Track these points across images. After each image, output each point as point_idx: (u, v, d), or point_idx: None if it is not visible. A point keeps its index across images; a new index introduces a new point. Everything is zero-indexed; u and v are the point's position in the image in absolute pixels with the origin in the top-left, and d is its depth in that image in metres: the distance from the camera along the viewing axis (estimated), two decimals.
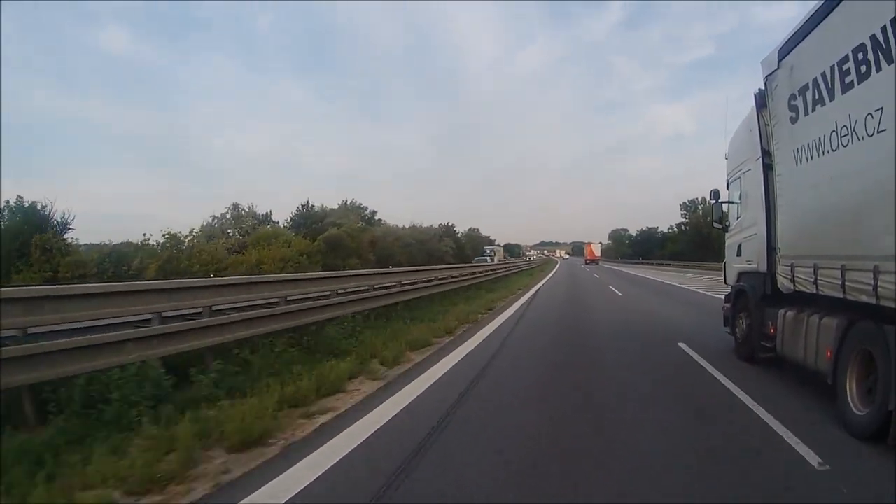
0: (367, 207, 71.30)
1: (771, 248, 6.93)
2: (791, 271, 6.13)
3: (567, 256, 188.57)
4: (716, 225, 9.13)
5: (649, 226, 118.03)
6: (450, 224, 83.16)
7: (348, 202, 68.95)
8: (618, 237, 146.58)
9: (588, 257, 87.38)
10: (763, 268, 7.17)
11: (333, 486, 3.53)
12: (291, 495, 3.36)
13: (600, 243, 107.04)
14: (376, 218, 71.03)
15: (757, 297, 7.36)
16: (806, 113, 5.81)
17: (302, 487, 3.48)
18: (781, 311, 6.46)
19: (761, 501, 3.39)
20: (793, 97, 6.10)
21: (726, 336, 8.62)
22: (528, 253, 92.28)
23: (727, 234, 9.03)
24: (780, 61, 6.46)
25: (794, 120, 6.09)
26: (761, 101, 7.36)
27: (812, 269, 5.57)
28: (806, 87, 5.78)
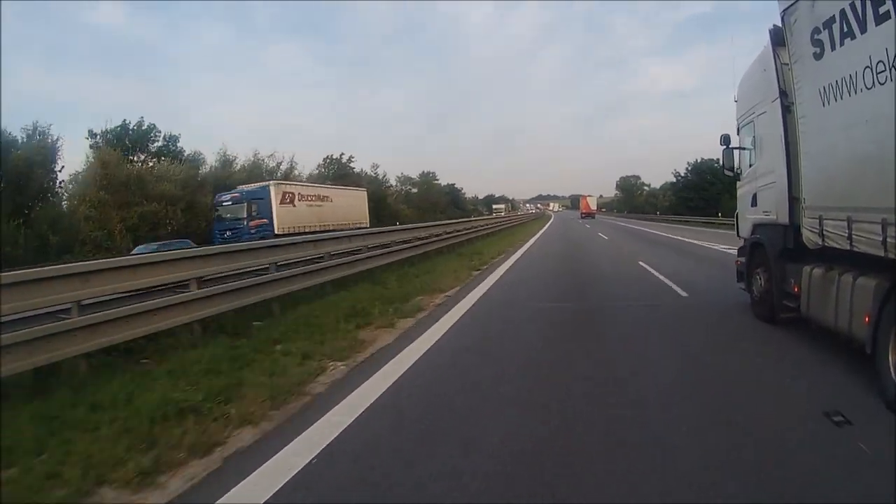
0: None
1: (793, 198, 6.36)
2: (819, 224, 5.58)
3: (561, 210, 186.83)
4: (727, 172, 8.50)
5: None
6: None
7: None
8: (628, 186, 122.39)
9: (583, 211, 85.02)
10: (783, 219, 6.61)
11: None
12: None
13: (601, 195, 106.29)
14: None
15: (776, 251, 6.84)
16: (833, 48, 5.14)
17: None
18: (807, 268, 5.95)
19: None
20: (816, 31, 5.41)
21: None
22: (496, 207, 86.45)
23: (739, 183, 8.44)
24: None
25: (818, 56, 5.42)
26: (777, 37, 6.66)
27: (846, 223, 5.01)
28: (832, 19, 5.09)
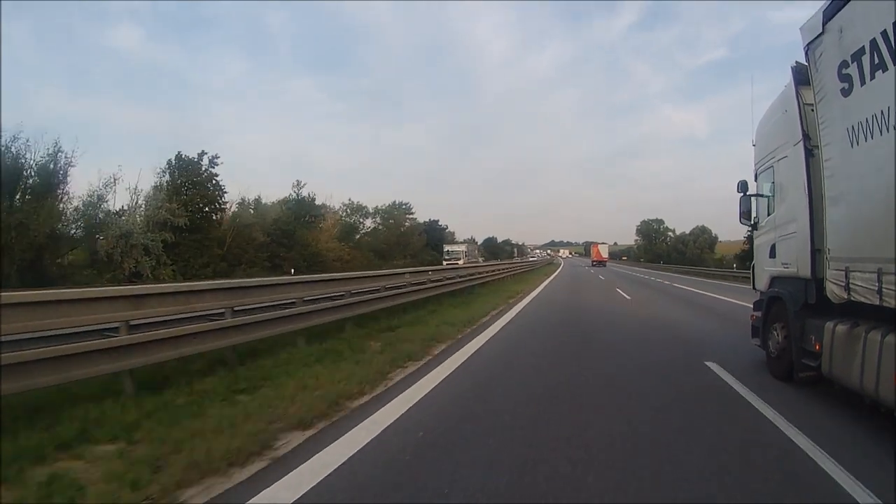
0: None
1: (815, 250, 5.83)
2: (845, 277, 5.02)
3: (570, 255, 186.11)
4: (743, 221, 7.99)
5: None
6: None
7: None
8: (649, 231, 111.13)
9: (594, 258, 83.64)
10: (804, 272, 6.05)
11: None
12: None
13: (615, 243, 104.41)
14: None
15: (796, 305, 6.25)
16: (863, 82, 4.73)
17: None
18: (829, 325, 5.36)
19: None
20: (844, 65, 5.01)
21: None
22: (451, 250, 66.76)
23: (756, 233, 7.90)
24: (825, 24, 5.36)
25: (846, 92, 4.99)
26: (800, 75, 6.27)
27: (876, 275, 4.48)
28: (861, 51, 4.71)
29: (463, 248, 67.84)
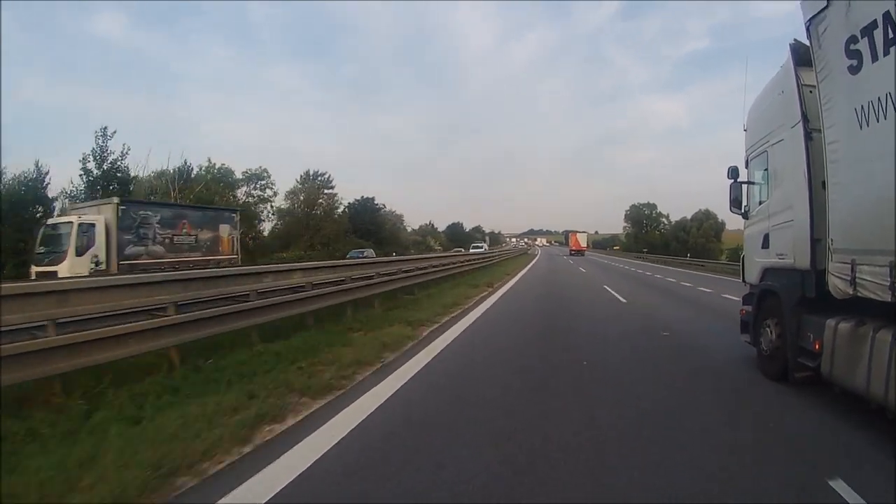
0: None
1: (815, 239, 5.43)
2: (851, 270, 4.62)
3: (549, 244, 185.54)
4: (733, 210, 7.58)
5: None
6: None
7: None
8: (639, 217, 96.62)
9: (573, 247, 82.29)
10: (803, 263, 5.66)
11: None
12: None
13: (595, 231, 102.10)
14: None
15: (792, 300, 5.86)
16: (874, 58, 4.30)
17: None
18: (831, 322, 4.98)
19: None
20: (852, 40, 4.57)
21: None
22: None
23: (747, 222, 7.51)
24: None
25: (855, 69, 4.56)
26: (799, 54, 5.84)
27: (888, 269, 4.08)
28: (873, 24, 4.28)
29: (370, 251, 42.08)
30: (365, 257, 31.20)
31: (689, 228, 78.02)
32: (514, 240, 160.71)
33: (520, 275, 27.49)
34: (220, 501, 3.22)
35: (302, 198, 54.60)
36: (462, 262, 25.56)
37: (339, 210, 58.26)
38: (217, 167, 46.58)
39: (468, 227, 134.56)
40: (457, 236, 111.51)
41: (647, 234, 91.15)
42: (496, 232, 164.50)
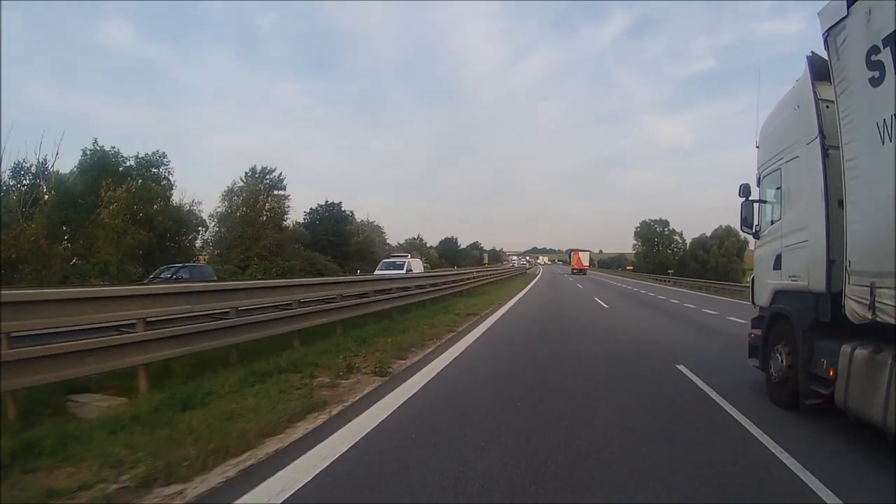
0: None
1: (830, 261, 5.16)
2: (870, 293, 4.34)
3: (550, 263, 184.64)
4: (744, 230, 7.32)
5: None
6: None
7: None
8: (649, 235, 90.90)
9: (574, 266, 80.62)
10: (817, 286, 5.37)
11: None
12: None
13: (600, 251, 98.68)
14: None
15: (805, 324, 5.56)
16: None
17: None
18: (846, 348, 4.68)
19: None
20: (874, 51, 4.35)
21: None
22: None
23: (757, 242, 7.24)
24: (850, 5, 4.71)
25: (876, 81, 4.32)
26: (817, 67, 5.62)
27: None
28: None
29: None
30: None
31: (709, 247, 72.71)
32: (514, 258, 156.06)
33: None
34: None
35: (240, 199, 43.60)
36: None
37: (288, 216, 47.10)
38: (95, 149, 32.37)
39: (467, 243, 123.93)
40: (450, 253, 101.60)
41: (660, 254, 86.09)
42: (498, 249, 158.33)
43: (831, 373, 4.94)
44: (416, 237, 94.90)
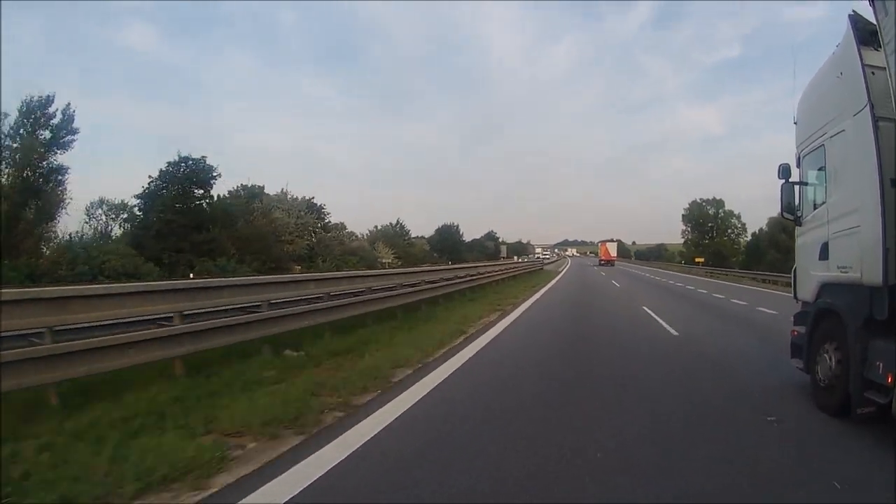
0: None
1: (887, 249, 4.46)
2: None
3: (579, 255, 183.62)
4: (785, 216, 6.58)
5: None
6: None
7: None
8: (701, 217, 75.43)
9: (602, 257, 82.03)
10: (871, 278, 4.66)
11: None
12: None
13: (633, 242, 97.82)
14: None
15: (857, 322, 4.86)
16: None
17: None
18: None
19: None
20: None
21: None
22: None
23: (800, 229, 6.51)
24: None
25: None
26: (860, 29, 4.92)
27: None
28: None
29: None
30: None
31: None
32: (538, 249, 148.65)
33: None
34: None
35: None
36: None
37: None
38: None
39: (502, 236, 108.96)
40: (448, 245, 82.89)
41: (714, 240, 71.49)
42: (525, 242, 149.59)
43: (889, 378, 4.26)
44: (393, 223, 73.59)
